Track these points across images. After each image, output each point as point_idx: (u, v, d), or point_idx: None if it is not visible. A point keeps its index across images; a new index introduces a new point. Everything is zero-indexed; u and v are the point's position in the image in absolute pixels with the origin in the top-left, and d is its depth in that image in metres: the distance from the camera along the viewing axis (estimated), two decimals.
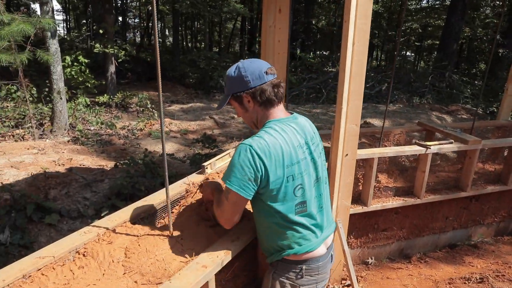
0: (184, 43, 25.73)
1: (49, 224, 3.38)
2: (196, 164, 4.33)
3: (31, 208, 3.31)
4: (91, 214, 3.70)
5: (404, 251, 3.66)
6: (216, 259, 1.59)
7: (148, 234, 1.77)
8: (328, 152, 2.76)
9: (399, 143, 3.90)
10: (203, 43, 22.34)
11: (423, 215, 3.57)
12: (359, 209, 3.14)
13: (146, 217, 1.99)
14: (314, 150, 1.65)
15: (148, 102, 9.33)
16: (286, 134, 1.56)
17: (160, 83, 1.52)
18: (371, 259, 3.49)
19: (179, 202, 2.16)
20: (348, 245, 3.31)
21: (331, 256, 1.77)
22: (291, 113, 1.69)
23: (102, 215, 3.50)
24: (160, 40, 24.26)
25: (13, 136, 6.89)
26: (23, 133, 7.02)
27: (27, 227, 3.26)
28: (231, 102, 1.66)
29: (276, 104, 1.62)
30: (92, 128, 8.04)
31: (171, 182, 2.42)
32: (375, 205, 3.19)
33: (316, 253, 1.65)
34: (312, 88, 13.26)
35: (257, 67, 1.58)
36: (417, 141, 3.30)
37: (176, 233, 1.78)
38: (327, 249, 1.71)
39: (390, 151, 3.09)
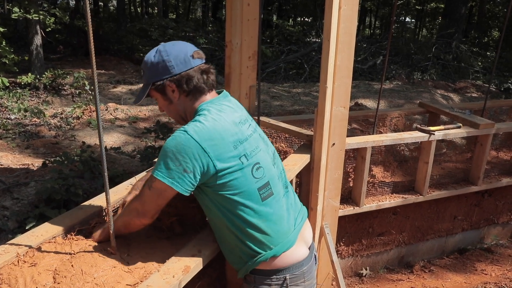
0: (132, 8, 25.16)
1: None
2: (148, 159, 4.25)
3: None
4: (12, 228, 3.56)
5: (405, 259, 3.75)
6: (172, 279, 1.56)
7: (84, 251, 1.71)
8: (311, 141, 2.77)
9: (397, 128, 3.97)
10: (156, 8, 21.92)
11: (427, 215, 3.66)
12: (350, 210, 3.18)
13: (82, 230, 1.93)
14: (256, 126, 1.78)
15: (86, 82, 9.06)
16: (223, 112, 1.63)
17: (93, 59, 1.45)
18: (366, 269, 3.56)
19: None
20: (337, 254, 3.36)
21: (315, 257, 1.85)
22: (218, 92, 1.77)
23: (27, 228, 3.38)
24: (101, 4, 23.61)
25: None
26: None
27: None
28: (151, 93, 1.70)
29: (207, 92, 1.69)
30: (13, 117, 7.74)
31: (117, 183, 2.36)
32: (369, 204, 3.24)
33: (296, 254, 1.71)
34: (292, 63, 13.30)
35: (182, 50, 1.64)
36: (419, 125, 3.36)
37: (120, 248, 1.74)
38: (308, 249, 1.79)
39: (386, 138, 3.14)
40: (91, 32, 1.38)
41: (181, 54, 1.62)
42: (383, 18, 24.29)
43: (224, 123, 1.59)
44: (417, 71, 12.70)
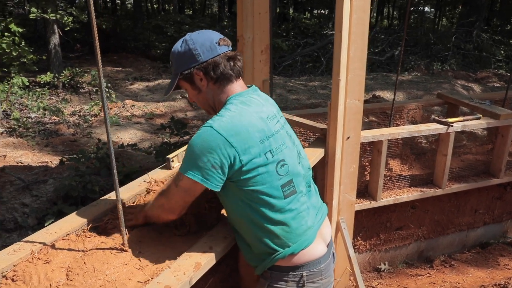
0: (149, 5, 25.34)
1: None
2: (163, 155, 4.27)
3: None
4: (32, 225, 3.63)
5: (425, 254, 3.70)
6: (183, 276, 1.55)
7: (97, 248, 1.73)
8: (325, 135, 2.74)
9: (415, 120, 3.91)
10: (172, 5, 22.03)
11: (447, 209, 3.60)
12: (366, 204, 3.15)
13: (95, 227, 1.94)
14: (284, 123, 1.77)
15: (103, 80, 9.16)
16: (251, 106, 1.62)
17: (99, 57, 1.45)
18: (384, 264, 3.52)
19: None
20: (354, 249, 3.33)
21: (333, 254, 1.85)
22: (249, 86, 1.76)
23: (46, 224, 3.44)
24: (118, 1, 23.86)
25: None
26: None
27: None
28: (180, 83, 1.72)
29: (234, 80, 1.68)
30: (32, 115, 7.88)
31: (132, 179, 2.38)
32: (386, 198, 3.20)
33: (315, 251, 1.70)
34: (308, 56, 13.21)
35: (207, 37, 1.65)
36: (436, 117, 3.30)
37: (132, 245, 1.75)
38: (327, 246, 1.78)
39: (402, 131, 3.09)
40: (95, 29, 1.37)
41: (207, 41, 1.63)
42: (401, 8, 23.87)
43: (250, 117, 1.58)
44: (436, 62, 12.48)
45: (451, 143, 3.22)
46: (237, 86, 1.69)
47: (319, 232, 1.76)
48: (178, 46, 1.67)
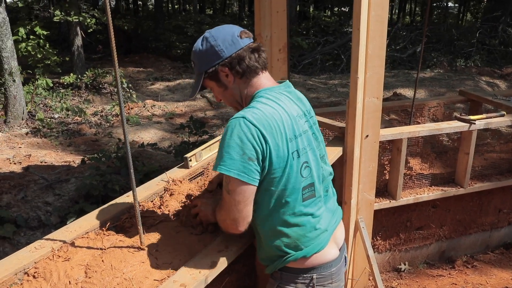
0: (170, 5, 25.58)
1: (2, 237, 3.39)
2: (182, 155, 4.31)
3: None
4: (55, 223, 3.71)
5: (446, 254, 3.64)
6: (199, 275, 1.56)
7: (114, 247, 1.75)
8: (343, 134, 2.72)
9: (436, 118, 3.84)
10: (192, 5, 22.19)
11: (469, 208, 3.53)
12: (386, 203, 3.11)
13: (114, 225, 1.97)
14: (314, 123, 1.72)
15: (124, 80, 9.29)
16: (283, 102, 1.57)
17: (115, 58, 1.47)
18: (404, 264, 3.48)
19: (155, 204, 2.13)
20: (374, 248, 3.30)
21: (345, 258, 1.81)
22: (280, 82, 1.70)
23: (68, 223, 3.51)
24: (140, 3, 24.14)
25: None
26: None
27: None
28: (206, 83, 1.66)
29: (260, 72, 1.62)
30: (56, 116, 8.06)
31: (151, 178, 2.40)
32: (406, 197, 3.16)
33: (327, 255, 1.67)
34: (328, 54, 13.13)
35: (228, 32, 1.59)
36: (458, 115, 3.23)
37: (149, 243, 1.76)
38: (339, 250, 1.75)
39: (422, 129, 3.03)
40: (112, 31, 1.39)
41: (228, 36, 1.57)
42: (424, 4, 23.46)
43: (282, 113, 1.53)
44: (460, 58, 12.24)
45: (474, 141, 3.15)
46: (264, 79, 1.63)
47: (332, 236, 1.73)
48: (199, 44, 1.62)
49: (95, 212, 2.00)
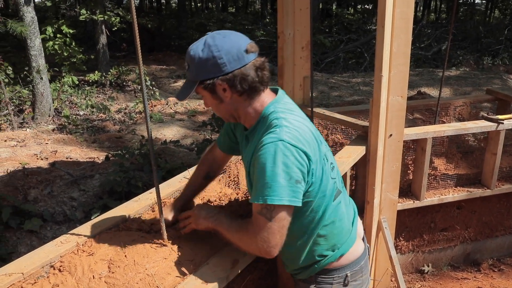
0: (193, 3, 25.73)
1: (29, 230, 3.47)
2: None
3: (8, 213, 3.40)
4: (79, 218, 3.77)
5: (471, 256, 3.56)
6: (221, 273, 1.57)
7: (137, 242, 1.76)
8: (367, 133, 2.69)
9: (462, 117, 3.77)
10: (214, 3, 22.29)
11: (496, 210, 3.46)
12: (409, 203, 3.07)
13: (136, 221, 1.99)
14: None
15: (148, 78, 9.40)
16: (297, 111, 1.53)
17: (140, 56, 1.48)
18: (428, 266, 3.43)
19: None
20: (396, 249, 3.25)
21: (368, 248, 1.81)
22: (272, 89, 1.61)
23: (92, 218, 3.56)
24: (163, 1, 24.34)
25: None
26: None
27: (3, 235, 3.35)
28: (198, 90, 1.51)
29: (262, 91, 1.51)
30: (81, 112, 8.21)
31: (174, 175, 2.42)
32: (430, 198, 3.11)
33: (358, 249, 1.68)
34: (351, 52, 13.00)
35: (234, 44, 1.43)
36: (485, 114, 3.16)
37: (171, 240, 1.77)
38: (362, 241, 1.76)
39: (448, 128, 2.98)
40: (136, 30, 1.40)
41: (233, 49, 1.41)
42: (449, 1, 23.00)
43: (303, 121, 1.49)
44: (487, 56, 11.96)
45: (501, 141, 3.08)
46: (266, 95, 1.53)
47: (357, 231, 1.74)
48: (198, 50, 1.44)
49: (119, 208, 2.03)
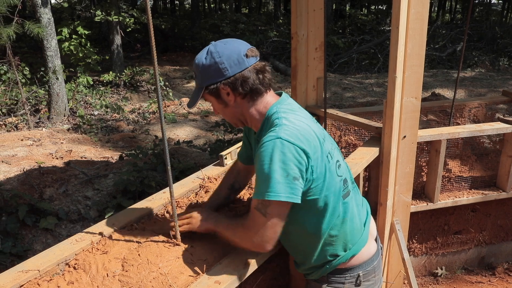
0: (206, 4, 25.84)
1: (45, 228, 3.52)
2: (217, 153, 4.34)
3: (24, 211, 3.45)
4: (93, 216, 3.82)
5: (486, 260, 3.52)
6: (233, 272, 1.57)
7: (150, 241, 1.77)
8: (380, 134, 2.67)
9: (477, 119, 3.72)
10: (228, 4, 22.35)
11: (511, 213, 3.40)
12: (423, 206, 3.04)
13: (150, 220, 2.00)
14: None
15: (161, 78, 9.46)
16: (299, 108, 1.58)
17: (155, 57, 1.49)
18: (441, 269, 3.39)
19: (191, 201, 2.16)
20: (409, 251, 3.22)
21: (381, 248, 1.82)
22: (277, 93, 1.68)
23: (106, 217, 3.60)
24: (177, 2, 24.49)
25: (5, 125, 7.24)
26: (16, 122, 7.35)
27: (19, 233, 3.41)
28: (205, 96, 1.60)
29: (265, 92, 1.58)
30: (95, 112, 8.29)
31: (187, 175, 2.44)
32: (444, 200, 3.08)
33: (370, 249, 1.69)
34: (364, 53, 12.93)
35: (234, 49, 1.52)
36: (501, 116, 3.12)
37: (184, 239, 1.78)
38: (375, 241, 1.77)
39: (462, 130, 2.94)
40: (152, 31, 1.41)
41: (233, 54, 1.51)
42: (464, 1, 22.75)
43: (307, 122, 1.52)
44: (503, 57, 11.80)
45: None
46: (270, 97, 1.60)
47: (370, 231, 1.74)
48: (202, 58, 1.55)
49: (132, 207, 2.04)
